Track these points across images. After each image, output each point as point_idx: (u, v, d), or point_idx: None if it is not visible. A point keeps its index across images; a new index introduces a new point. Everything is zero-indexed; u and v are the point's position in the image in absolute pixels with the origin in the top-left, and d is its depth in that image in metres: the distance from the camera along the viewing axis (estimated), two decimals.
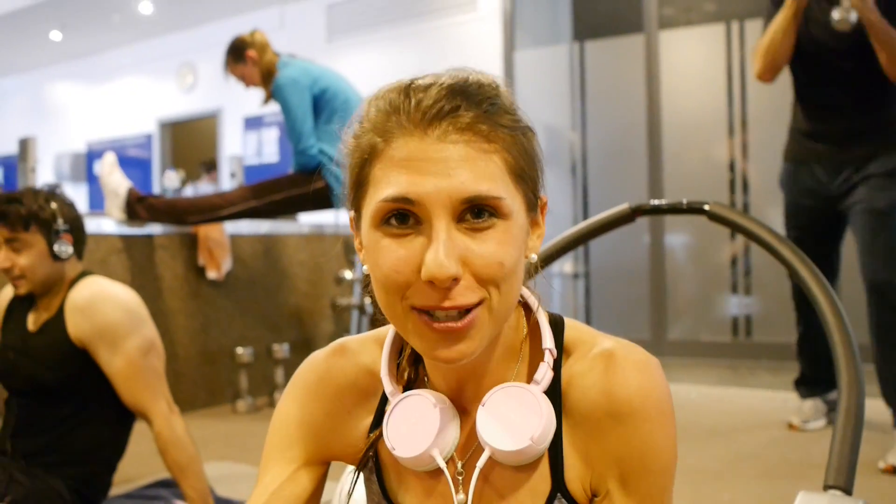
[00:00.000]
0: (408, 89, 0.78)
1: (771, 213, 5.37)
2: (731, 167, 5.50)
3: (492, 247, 0.73)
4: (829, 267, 3.17)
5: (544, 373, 0.79)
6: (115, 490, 2.56)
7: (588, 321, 5.98)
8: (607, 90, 6.00)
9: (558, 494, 0.80)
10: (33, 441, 2.05)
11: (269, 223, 4.42)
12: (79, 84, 9.90)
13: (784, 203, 3.25)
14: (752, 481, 2.62)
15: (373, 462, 0.89)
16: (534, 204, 0.80)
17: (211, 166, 8.12)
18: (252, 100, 3.92)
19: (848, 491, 1.27)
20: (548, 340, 0.81)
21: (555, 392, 0.81)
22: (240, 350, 4.01)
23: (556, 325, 0.85)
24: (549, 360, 0.80)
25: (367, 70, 7.06)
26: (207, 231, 4.00)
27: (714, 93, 5.56)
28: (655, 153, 5.66)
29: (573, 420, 0.81)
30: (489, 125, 0.75)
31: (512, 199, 0.75)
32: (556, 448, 0.80)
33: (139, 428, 2.21)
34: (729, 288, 5.49)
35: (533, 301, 0.85)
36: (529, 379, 0.81)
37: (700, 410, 3.80)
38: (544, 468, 0.81)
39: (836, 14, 2.76)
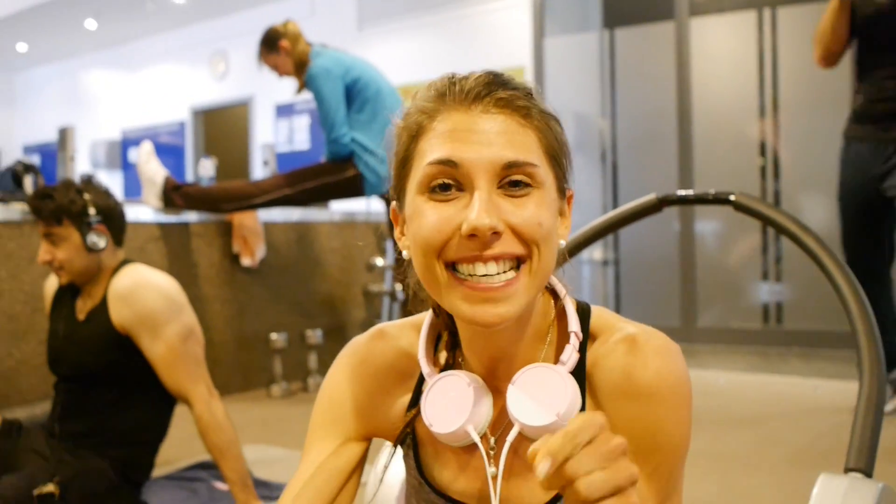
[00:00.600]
0: (452, 77, 0.84)
1: (801, 199, 5.35)
2: (762, 154, 5.48)
3: (531, 209, 0.78)
4: (877, 246, 3.20)
5: (570, 354, 0.84)
6: (157, 472, 2.64)
7: (618, 308, 6.00)
8: (637, 77, 5.99)
9: None
10: (80, 424, 2.13)
11: (301, 211, 4.48)
12: (113, 72, 10.03)
13: (838, 180, 3.31)
14: (779, 467, 2.65)
15: (410, 439, 0.95)
16: (563, 190, 0.86)
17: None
18: (284, 87, 3.99)
19: (868, 473, 1.30)
20: (573, 324, 0.86)
21: (580, 373, 0.86)
22: (274, 336, 4.09)
23: (583, 311, 0.90)
24: (574, 342, 0.85)
25: (398, 58, 7.09)
26: (242, 219, 4.07)
27: (745, 80, 5.53)
28: (685, 140, 5.65)
29: (596, 399, 0.86)
30: (526, 103, 0.82)
31: (545, 171, 0.81)
32: None
33: (179, 412, 2.27)
34: (759, 275, 5.48)
35: (560, 288, 0.90)
36: (556, 361, 0.86)
37: (729, 396, 3.83)
38: None
39: None
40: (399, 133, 0.85)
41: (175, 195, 3.81)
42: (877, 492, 1.21)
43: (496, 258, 0.77)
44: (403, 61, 7.08)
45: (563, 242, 0.86)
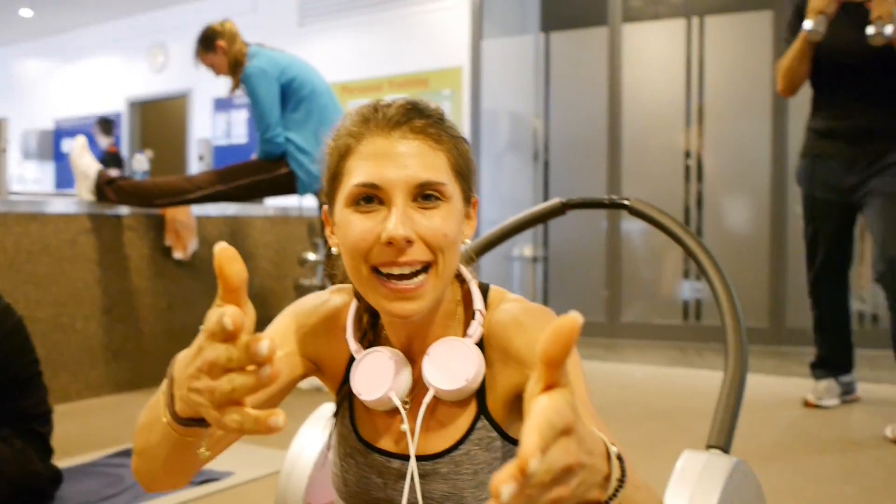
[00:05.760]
0: (376, 105, 0.99)
1: (724, 199, 5.57)
2: (688, 156, 5.69)
3: (437, 221, 0.94)
4: (844, 254, 3.43)
5: (475, 328, 1.01)
6: (80, 460, 2.71)
7: (546, 303, 6.16)
8: (571, 80, 6.17)
9: (481, 416, 1.01)
10: None
11: (236, 205, 4.54)
12: (48, 62, 9.90)
13: (802, 197, 3.50)
14: (680, 454, 2.80)
15: (347, 402, 1.09)
16: (468, 199, 1.02)
17: (107, 126, 7.86)
18: (222, 82, 4.03)
19: (726, 450, 1.47)
20: (478, 303, 1.03)
21: (481, 342, 1.02)
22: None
23: (484, 290, 1.07)
24: (479, 318, 1.02)
25: (339, 55, 7.16)
26: (174, 213, 4.12)
27: (673, 85, 5.75)
28: (615, 141, 5.84)
29: (493, 357, 1.02)
30: (437, 130, 0.98)
31: (452, 187, 0.97)
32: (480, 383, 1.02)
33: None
34: (681, 273, 5.70)
35: (466, 273, 1.07)
36: (464, 334, 1.03)
37: (643, 389, 4.01)
38: (472, 398, 1.02)
39: (870, 30, 3.00)
40: (330, 151, 1.00)
41: (108, 189, 3.84)
42: (731, 465, 1.37)
43: (408, 264, 0.93)
44: (344, 59, 7.15)
45: (468, 241, 1.02)
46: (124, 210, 3.98)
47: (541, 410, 0.55)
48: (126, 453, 2.75)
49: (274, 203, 4.88)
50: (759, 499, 1.50)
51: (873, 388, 3.76)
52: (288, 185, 3.82)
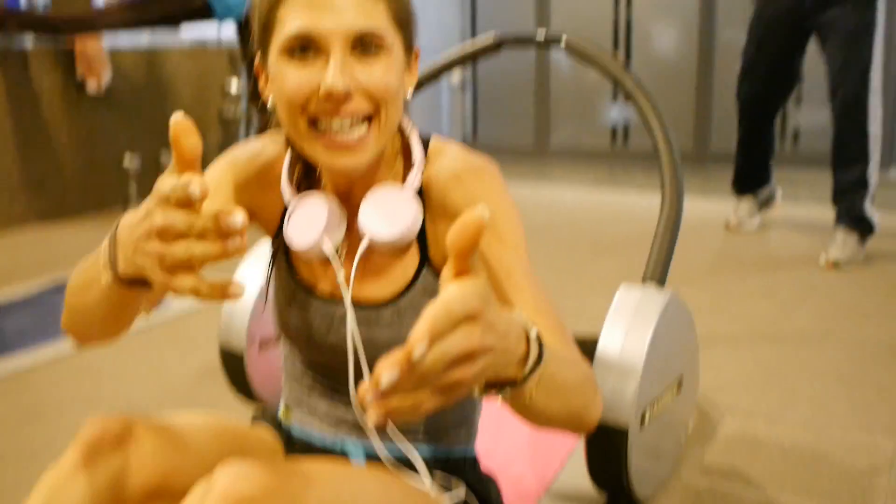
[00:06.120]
0: None
1: (652, 24, 5.51)
2: None
3: (378, 72, 0.89)
4: (788, 74, 3.33)
5: (414, 176, 0.98)
6: (13, 292, 2.68)
7: (475, 129, 6.16)
8: None
9: (425, 265, 1.01)
10: None
11: (149, 37, 4.32)
12: None
13: (754, 10, 3.35)
14: (611, 274, 2.91)
15: (283, 251, 1.07)
16: (410, 50, 0.97)
17: None
18: None
19: (661, 283, 1.52)
20: (417, 153, 1.00)
21: (421, 193, 1.00)
22: (127, 158, 4.05)
23: (424, 141, 1.03)
24: (418, 167, 0.99)
25: None
26: (84, 44, 3.90)
27: None
28: None
29: (433, 208, 1.00)
30: None
31: (393, 38, 0.91)
32: (421, 233, 1.00)
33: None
34: (609, 97, 5.70)
35: (407, 125, 1.03)
36: (403, 184, 0.99)
37: (573, 213, 4.10)
38: (414, 249, 1.01)
39: None
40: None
41: (10, 21, 3.58)
42: (666, 298, 1.43)
43: (349, 115, 0.89)
44: None
45: (409, 92, 0.98)
46: (29, 44, 3.75)
47: (442, 299, 0.57)
48: (58, 290, 2.72)
49: (191, 35, 4.63)
50: (690, 329, 1.58)
51: (792, 208, 3.90)
52: (202, 13, 3.62)
